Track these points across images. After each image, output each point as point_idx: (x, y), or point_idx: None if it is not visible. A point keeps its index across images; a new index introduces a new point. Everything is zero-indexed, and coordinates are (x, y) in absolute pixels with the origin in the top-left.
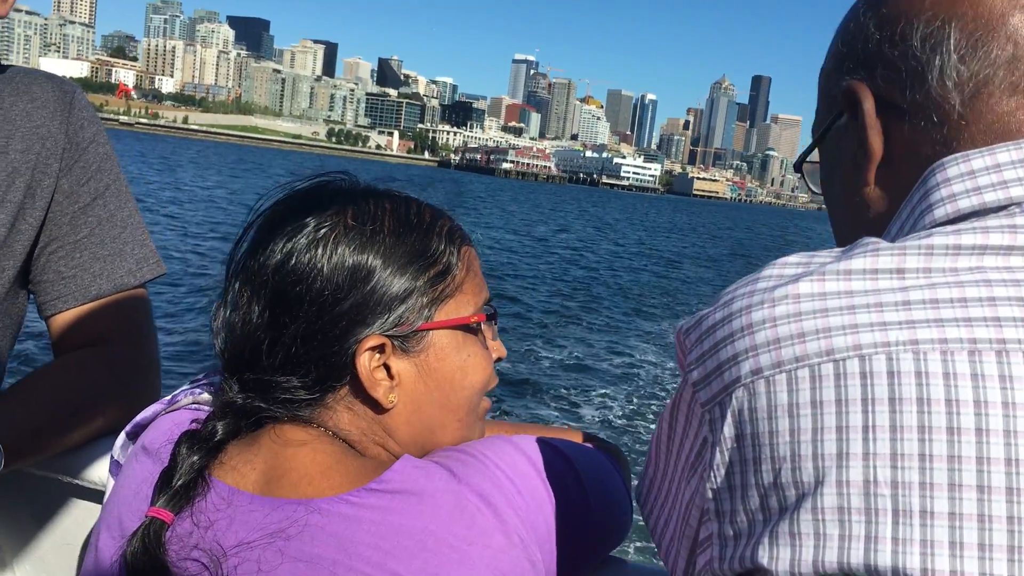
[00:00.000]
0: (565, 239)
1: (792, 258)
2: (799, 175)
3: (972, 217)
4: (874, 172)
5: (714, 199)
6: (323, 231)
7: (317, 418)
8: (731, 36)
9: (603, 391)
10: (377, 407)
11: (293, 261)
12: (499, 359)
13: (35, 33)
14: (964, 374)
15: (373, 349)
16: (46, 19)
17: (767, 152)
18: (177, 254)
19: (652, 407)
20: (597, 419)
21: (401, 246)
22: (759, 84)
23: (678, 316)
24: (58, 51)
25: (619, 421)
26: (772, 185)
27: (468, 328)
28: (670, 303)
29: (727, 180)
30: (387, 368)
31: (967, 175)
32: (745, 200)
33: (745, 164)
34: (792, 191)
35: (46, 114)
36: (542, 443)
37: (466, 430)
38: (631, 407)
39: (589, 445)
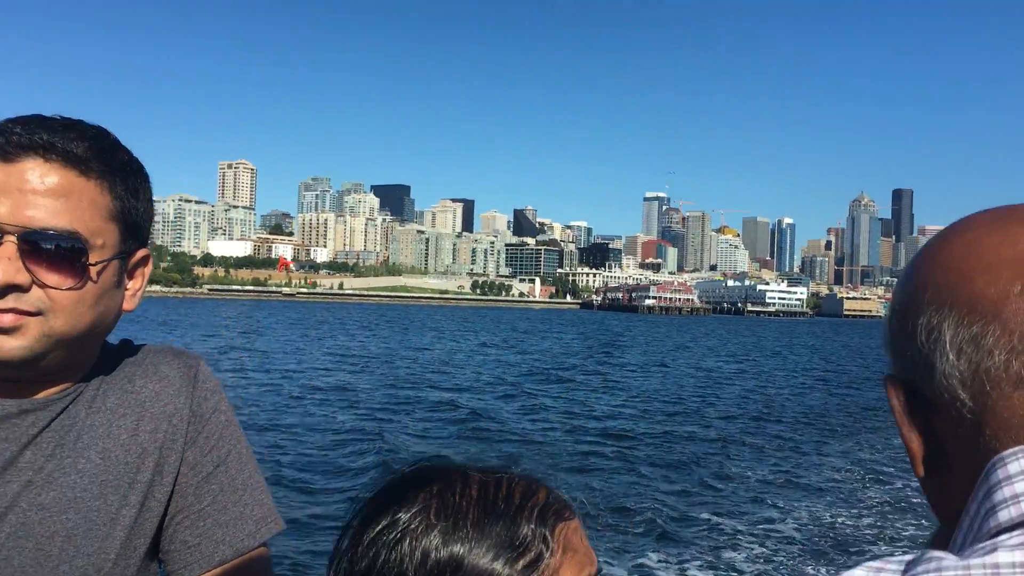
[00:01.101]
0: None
1: (858, 572)
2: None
3: None
4: (922, 466)
5: (867, 318)
6: (406, 528)
7: None
8: (865, 152)
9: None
10: None
11: (380, 561)
12: None
13: (203, 220)
14: None
15: None
16: (212, 206)
17: None
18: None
19: None
20: None
21: (487, 538)
22: (900, 197)
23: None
24: (224, 234)
25: None
26: None
27: None
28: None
29: (878, 297)
30: None
31: None
32: None
33: (895, 280)
34: None
35: (172, 391)
36: None
37: None
38: None
39: None
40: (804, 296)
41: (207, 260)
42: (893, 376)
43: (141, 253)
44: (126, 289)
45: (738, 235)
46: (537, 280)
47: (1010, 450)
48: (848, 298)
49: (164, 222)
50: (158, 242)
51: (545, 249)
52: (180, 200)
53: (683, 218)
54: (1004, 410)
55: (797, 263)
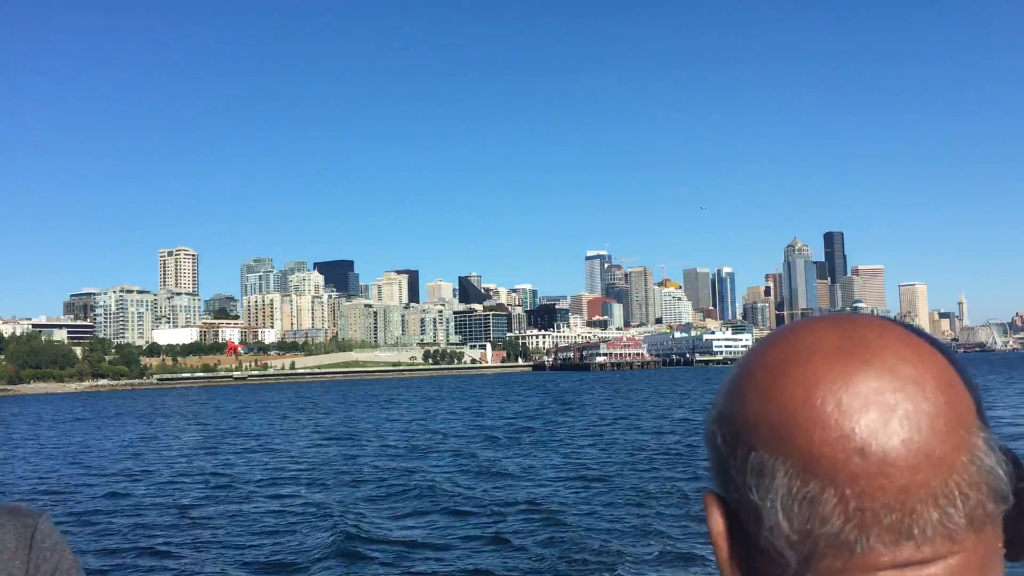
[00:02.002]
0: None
1: None
2: None
3: None
4: None
5: None
6: None
7: None
8: (796, 199)
9: None
10: None
11: None
12: None
13: (147, 309)
14: None
15: None
16: (155, 295)
17: (855, 305)
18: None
19: None
20: None
21: None
22: (832, 240)
23: None
24: (168, 322)
25: None
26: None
27: None
28: None
29: None
30: None
31: None
32: None
33: None
34: None
35: (6, 557)
36: None
37: None
38: None
39: None
40: (749, 342)
41: (153, 350)
42: (714, 493)
43: None
44: None
45: (680, 287)
46: (488, 346)
47: None
48: None
49: (107, 314)
50: (101, 335)
51: (493, 314)
52: (122, 291)
53: (625, 274)
54: (826, 571)
55: (739, 310)
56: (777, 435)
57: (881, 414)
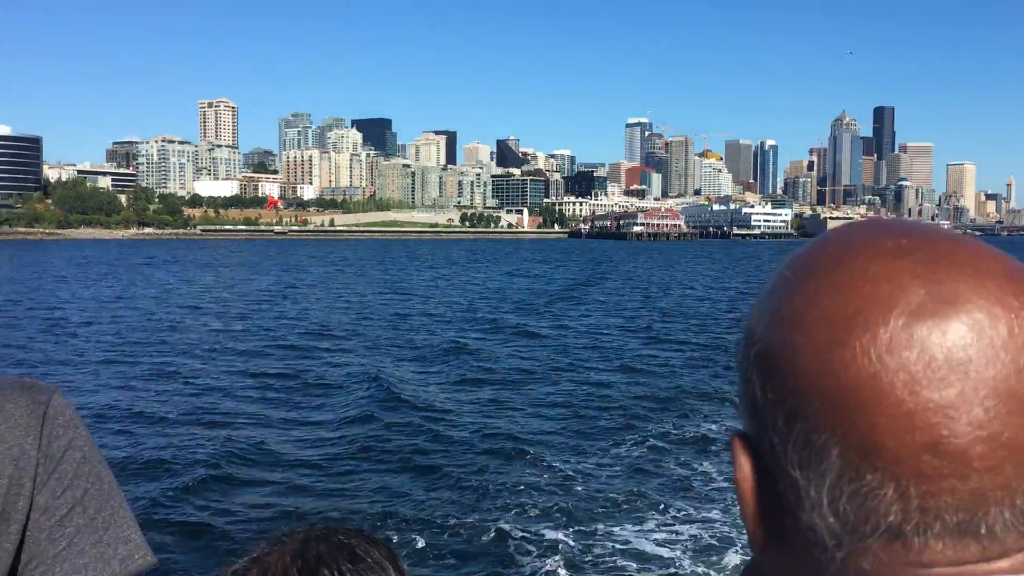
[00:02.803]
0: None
1: None
2: None
3: None
4: (759, 544)
5: None
6: None
7: None
8: (847, 71)
9: None
10: None
11: None
12: None
13: (188, 160)
14: None
15: None
16: (196, 146)
17: (900, 183)
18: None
19: None
20: None
21: None
22: (882, 115)
23: None
24: (209, 174)
25: None
26: (910, 215)
27: None
28: None
29: (861, 216)
30: None
31: None
32: None
33: (878, 198)
34: (932, 219)
35: (19, 433)
36: None
37: None
38: None
39: None
40: (788, 218)
41: (195, 201)
42: (746, 437)
43: None
44: None
45: (721, 159)
46: (525, 211)
47: None
48: (831, 218)
49: (149, 163)
50: (143, 184)
51: (531, 179)
52: (163, 141)
53: (666, 143)
54: (875, 565)
55: (780, 185)
56: (833, 411)
57: (964, 402)
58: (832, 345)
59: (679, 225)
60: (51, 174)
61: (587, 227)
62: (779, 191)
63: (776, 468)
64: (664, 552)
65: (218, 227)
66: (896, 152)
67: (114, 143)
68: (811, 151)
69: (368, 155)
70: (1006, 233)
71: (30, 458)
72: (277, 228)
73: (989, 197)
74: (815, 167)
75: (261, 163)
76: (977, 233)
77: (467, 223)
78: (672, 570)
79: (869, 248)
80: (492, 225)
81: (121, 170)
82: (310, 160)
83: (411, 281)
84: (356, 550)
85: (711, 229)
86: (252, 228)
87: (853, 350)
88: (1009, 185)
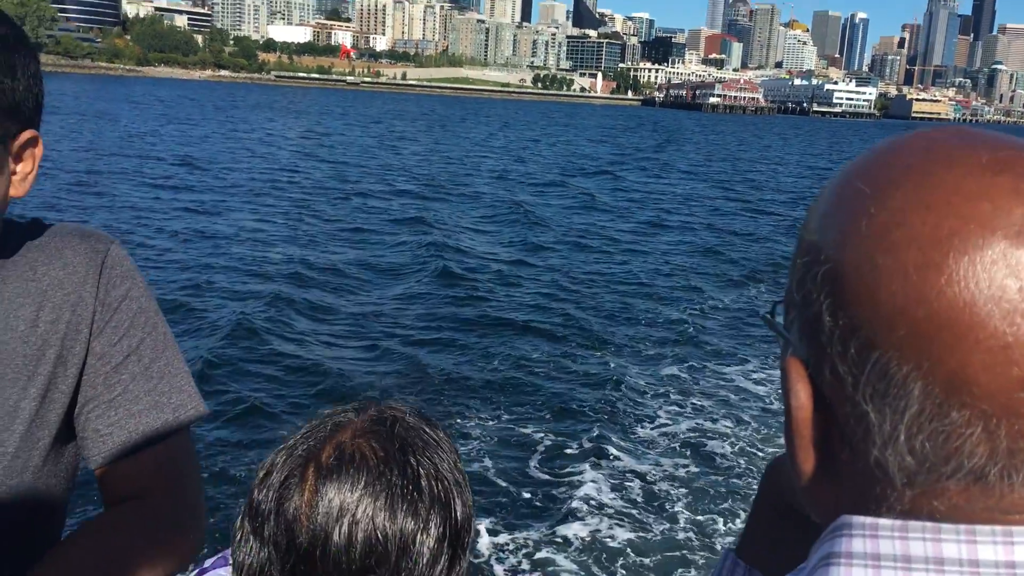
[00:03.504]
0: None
1: None
2: None
3: None
4: (807, 474)
5: (936, 120)
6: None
7: None
8: None
9: None
10: None
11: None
12: None
13: (263, 3)
14: None
15: None
16: None
17: (994, 66)
18: None
19: None
20: None
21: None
22: None
23: None
24: (283, 18)
25: None
26: (1001, 102)
27: None
28: None
29: (949, 99)
30: None
31: (871, 560)
32: (971, 120)
33: (969, 81)
34: None
35: (77, 280)
36: None
37: None
38: None
39: None
40: (872, 97)
41: (269, 45)
42: (803, 360)
43: (26, 135)
44: (13, 174)
45: (807, 30)
46: (599, 75)
47: (860, 519)
48: (917, 99)
49: (224, 4)
50: (218, 25)
51: (607, 43)
52: None
53: (750, 11)
54: (949, 508)
55: (867, 61)
56: (920, 342)
57: None
58: (923, 268)
59: (757, 99)
60: (129, 10)
61: (661, 95)
62: (866, 68)
63: (840, 399)
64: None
65: (292, 73)
66: (995, 33)
67: None
68: (904, 27)
69: (442, 7)
70: None
71: (87, 305)
72: (350, 78)
73: None
74: (906, 44)
75: (335, 10)
76: None
77: (539, 84)
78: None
79: (964, 161)
80: (565, 88)
81: (197, 9)
82: (384, 10)
83: (509, 141)
84: (424, 428)
85: (790, 104)
86: (325, 77)
87: (948, 275)
88: None
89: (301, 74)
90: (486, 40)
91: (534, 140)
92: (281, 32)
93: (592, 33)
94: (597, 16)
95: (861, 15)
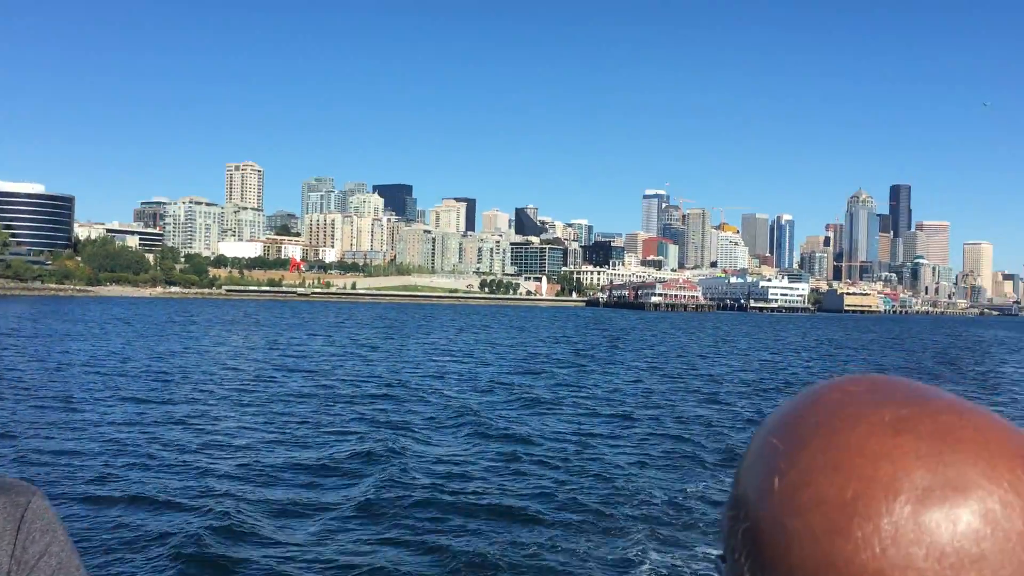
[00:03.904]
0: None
1: None
2: None
3: None
4: None
5: (867, 313)
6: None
7: None
8: (863, 149)
9: None
10: None
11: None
12: None
13: (214, 222)
14: None
15: None
16: (222, 208)
17: (916, 260)
18: None
19: None
20: None
21: None
22: (898, 193)
23: None
24: (233, 235)
25: None
26: (927, 293)
27: None
28: None
29: (879, 292)
30: None
31: None
32: (900, 311)
33: (895, 275)
34: (949, 298)
35: None
36: None
37: None
38: None
39: None
40: (806, 292)
41: (220, 261)
42: None
43: None
44: None
45: (738, 232)
46: (544, 278)
47: None
48: (848, 293)
49: (175, 224)
50: (170, 243)
51: (550, 248)
52: (191, 202)
53: (683, 215)
54: None
55: (796, 259)
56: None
57: None
58: (831, 534)
59: (697, 297)
60: (81, 232)
61: (605, 296)
62: (795, 265)
63: None
64: None
65: (242, 287)
66: (913, 230)
67: (142, 203)
68: (827, 227)
69: (389, 220)
70: None
71: (2, 565)
72: (300, 289)
73: (1006, 277)
74: (831, 243)
75: (284, 225)
76: (995, 313)
77: (487, 289)
78: None
79: (868, 419)
80: (511, 291)
81: (149, 230)
82: (332, 224)
83: (455, 344)
84: None
85: (728, 301)
86: (275, 289)
87: (855, 542)
88: None
89: (251, 287)
90: (432, 249)
91: (491, 343)
92: (232, 248)
93: (535, 239)
94: (539, 224)
95: (786, 216)
